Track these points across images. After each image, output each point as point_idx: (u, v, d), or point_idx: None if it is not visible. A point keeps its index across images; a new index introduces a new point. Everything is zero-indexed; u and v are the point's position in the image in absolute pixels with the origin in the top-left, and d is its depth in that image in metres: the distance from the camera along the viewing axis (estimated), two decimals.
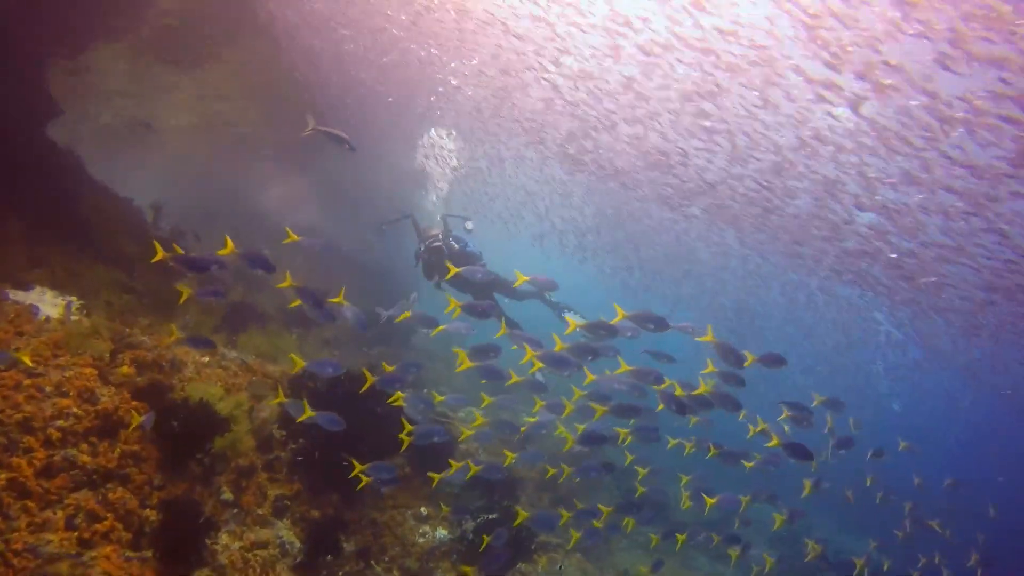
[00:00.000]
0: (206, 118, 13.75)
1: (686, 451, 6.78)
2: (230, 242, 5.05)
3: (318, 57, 13.14)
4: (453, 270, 6.57)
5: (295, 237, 5.71)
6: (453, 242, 8.33)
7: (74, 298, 6.14)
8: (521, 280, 6.17)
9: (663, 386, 5.66)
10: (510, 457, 6.55)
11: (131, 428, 4.51)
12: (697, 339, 5.32)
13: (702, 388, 5.66)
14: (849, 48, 7.44)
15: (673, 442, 6.98)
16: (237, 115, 13.58)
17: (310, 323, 10.03)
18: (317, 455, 6.17)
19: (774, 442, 5.97)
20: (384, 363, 6.16)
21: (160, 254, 4.86)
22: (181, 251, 4.96)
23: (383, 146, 16.06)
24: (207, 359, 6.38)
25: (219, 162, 14.92)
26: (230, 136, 14.15)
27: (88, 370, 4.71)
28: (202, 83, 12.64)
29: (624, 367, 5.69)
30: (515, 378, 6.30)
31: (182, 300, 5.31)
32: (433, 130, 14.00)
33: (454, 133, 14.40)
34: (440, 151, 14.55)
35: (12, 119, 7.85)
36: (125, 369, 5.08)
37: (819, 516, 15.13)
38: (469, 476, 6.25)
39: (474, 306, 6.15)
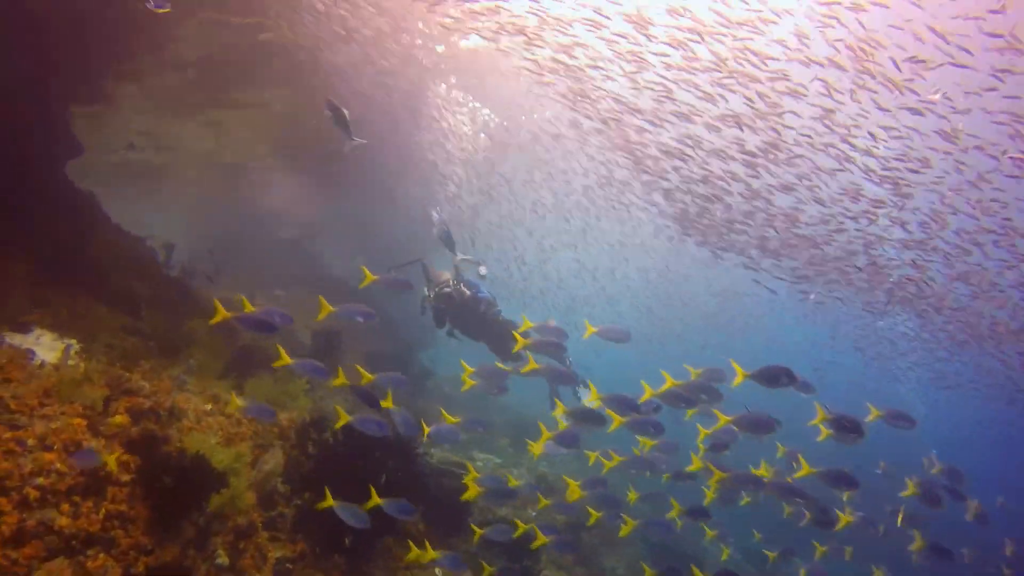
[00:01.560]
0: (226, 156, 13.79)
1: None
2: (325, 304, 5.06)
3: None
4: (521, 342, 6.08)
5: (372, 276, 5.45)
6: (465, 288, 8.00)
7: (74, 341, 5.84)
8: (591, 332, 5.82)
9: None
10: (594, 516, 6.19)
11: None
12: (808, 423, 4.95)
13: (805, 470, 5.22)
14: None
15: (746, 500, 6.42)
16: (256, 153, 13.60)
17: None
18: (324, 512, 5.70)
19: (918, 544, 5.49)
20: (444, 413, 5.83)
21: (220, 313, 4.65)
22: (249, 307, 4.73)
23: (402, 189, 16.01)
24: (210, 406, 6.00)
25: (240, 199, 14.91)
26: (250, 173, 14.13)
27: (77, 421, 4.34)
28: (223, 122, 12.73)
29: (723, 419, 5.26)
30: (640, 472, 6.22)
31: (277, 364, 5.09)
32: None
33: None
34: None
35: (29, 158, 7.78)
36: (118, 419, 4.71)
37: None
38: (536, 545, 5.79)
39: (556, 370, 5.81)
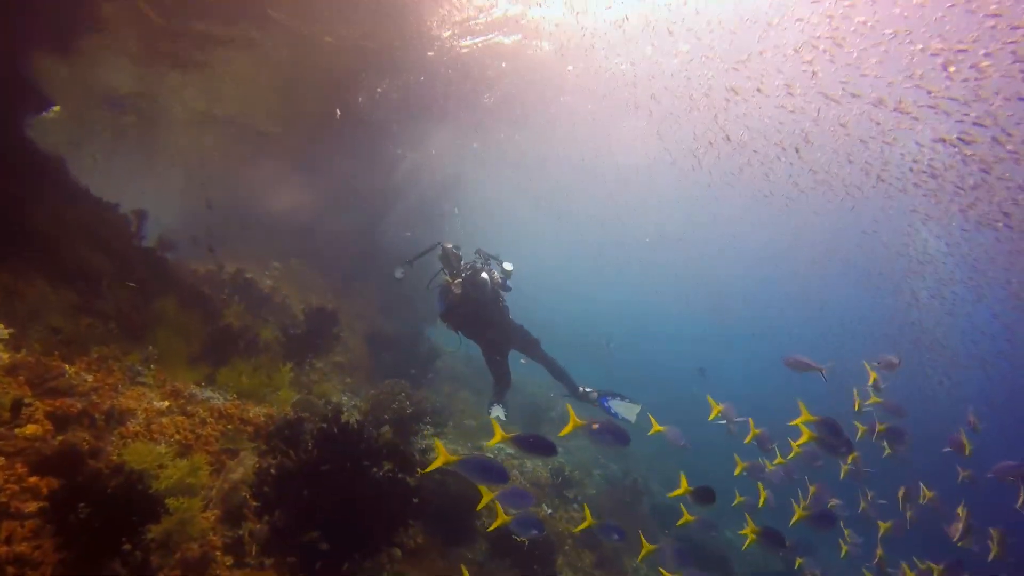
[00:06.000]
0: (217, 116, 12.71)
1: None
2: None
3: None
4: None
5: (578, 421, 4.43)
6: (485, 275, 7.15)
7: (1, 325, 4.88)
8: (873, 378, 5.47)
9: None
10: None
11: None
12: None
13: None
14: None
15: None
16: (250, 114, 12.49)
17: (317, 348, 8.71)
18: (299, 530, 4.78)
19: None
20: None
21: (442, 456, 3.94)
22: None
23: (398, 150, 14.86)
24: (167, 404, 5.04)
25: (231, 164, 13.88)
26: (242, 136, 13.06)
27: None
28: (213, 80, 11.61)
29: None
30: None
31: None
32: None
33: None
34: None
35: None
36: (31, 428, 3.75)
37: None
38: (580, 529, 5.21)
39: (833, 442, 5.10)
